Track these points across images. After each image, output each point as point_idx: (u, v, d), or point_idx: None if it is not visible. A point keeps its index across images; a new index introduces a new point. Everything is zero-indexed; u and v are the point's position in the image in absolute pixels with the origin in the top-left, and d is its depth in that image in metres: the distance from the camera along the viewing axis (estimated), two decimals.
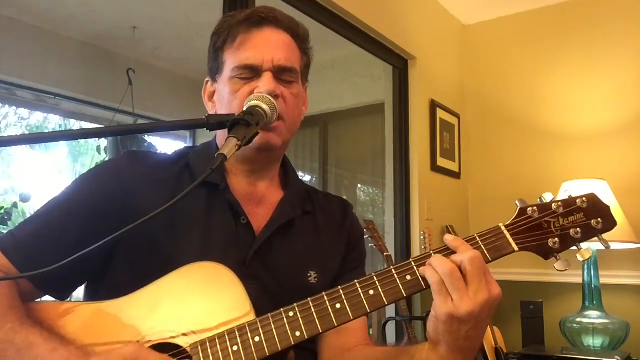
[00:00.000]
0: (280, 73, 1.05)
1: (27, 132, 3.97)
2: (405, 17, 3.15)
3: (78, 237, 0.95)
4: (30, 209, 4.09)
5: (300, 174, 1.22)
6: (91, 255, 0.80)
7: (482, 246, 0.90)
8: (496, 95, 3.58)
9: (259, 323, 0.88)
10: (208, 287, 0.92)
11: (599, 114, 3.23)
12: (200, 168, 1.05)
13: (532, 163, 3.38)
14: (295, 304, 0.88)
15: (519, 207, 0.94)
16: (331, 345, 1.09)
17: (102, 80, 3.99)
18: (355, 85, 4.01)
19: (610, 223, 0.93)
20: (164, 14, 3.61)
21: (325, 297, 0.88)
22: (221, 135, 1.12)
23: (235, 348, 0.86)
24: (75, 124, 4.45)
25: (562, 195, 0.95)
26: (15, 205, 3.98)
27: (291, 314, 0.88)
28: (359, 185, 4.53)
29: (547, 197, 0.94)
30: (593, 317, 2.73)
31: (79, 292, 1.10)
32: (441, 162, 3.37)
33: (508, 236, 0.91)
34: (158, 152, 4.06)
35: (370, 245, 2.54)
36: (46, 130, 4.72)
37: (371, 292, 0.88)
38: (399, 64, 3.21)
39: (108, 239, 0.79)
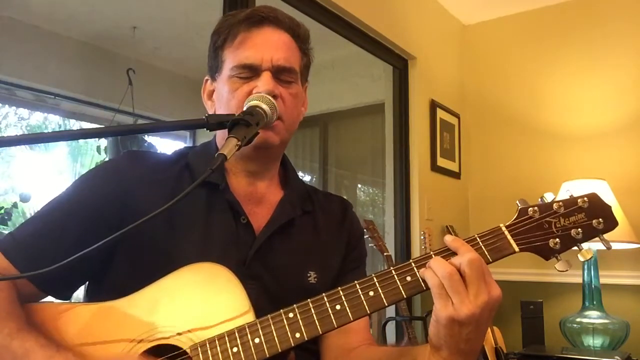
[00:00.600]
0: (279, 73, 1.05)
1: (27, 132, 3.97)
2: (405, 17, 3.15)
3: (78, 237, 0.95)
4: (30, 209, 4.09)
5: (300, 174, 1.22)
6: (91, 255, 0.80)
7: (483, 247, 0.89)
8: (496, 95, 3.58)
9: (258, 324, 0.87)
10: (208, 288, 0.92)
11: (599, 114, 3.23)
12: (200, 168, 1.05)
13: (532, 163, 3.38)
14: (295, 305, 0.88)
15: (519, 208, 0.93)
16: (334, 346, 1.09)
17: (102, 80, 3.99)
18: (355, 85, 4.01)
19: (611, 223, 0.93)
20: (164, 14, 3.61)
21: (325, 298, 0.88)
22: (221, 135, 1.12)
23: (235, 349, 0.86)
24: (75, 124, 4.45)
25: (563, 195, 0.94)
26: (15, 205, 3.98)
27: (291, 315, 0.87)
28: (359, 185, 4.53)
29: (548, 197, 0.93)
30: (593, 317, 2.72)
31: (80, 292, 1.10)
32: (441, 162, 3.36)
33: (509, 237, 0.91)
34: (158, 152, 4.06)
35: (370, 245, 2.54)
36: (46, 130, 4.72)
37: (371, 293, 0.88)
38: (399, 64, 3.21)
39: (108, 239, 0.79)
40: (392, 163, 3.18)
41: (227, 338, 0.87)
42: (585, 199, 0.93)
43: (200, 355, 0.87)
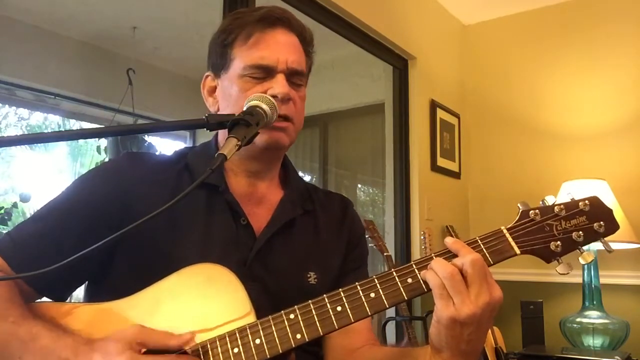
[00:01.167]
0: (292, 76, 1.05)
1: (27, 132, 3.97)
2: (405, 17, 3.15)
3: (78, 237, 0.95)
4: (30, 209, 4.09)
5: (300, 174, 1.22)
6: (91, 256, 0.80)
7: (484, 249, 0.89)
8: (496, 95, 3.58)
9: (259, 325, 0.87)
10: (208, 288, 0.92)
11: (599, 114, 3.23)
12: (199, 168, 1.05)
13: (532, 163, 3.38)
14: (296, 306, 0.88)
15: (521, 210, 0.93)
16: (337, 346, 1.09)
17: (102, 80, 3.99)
18: (355, 85, 4.01)
19: (612, 226, 0.92)
20: (164, 14, 3.60)
21: (326, 300, 0.88)
22: (222, 134, 1.12)
23: (236, 350, 0.86)
24: (75, 124, 4.45)
25: (563, 196, 0.94)
26: (15, 205, 3.98)
27: (292, 316, 0.87)
28: (359, 185, 4.53)
29: (549, 200, 0.94)
30: (593, 317, 2.73)
31: (80, 293, 1.10)
32: (441, 162, 3.36)
33: (510, 239, 0.91)
34: (158, 152, 4.06)
35: (370, 245, 2.54)
36: (46, 130, 4.72)
37: (372, 294, 0.88)
38: (399, 64, 3.21)
39: (107, 239, 0.79)
40: (392, 163, 3.18)
41: (228, 338, 0.87)
42: (587, 202, 0.93)
43: (201, 355, 0.86)
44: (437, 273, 0.85)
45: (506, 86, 3.55)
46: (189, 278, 0.93)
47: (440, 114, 3.39)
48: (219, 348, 0.87)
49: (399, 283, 0.88)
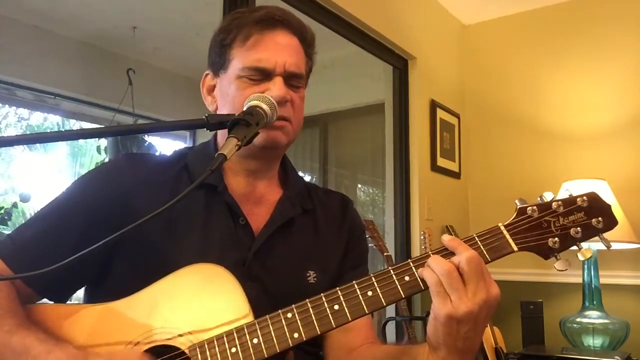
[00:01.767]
0: (289, 78, 1.05)
1: (27, 132, 3.97)
2: (405, 17, 3.15)
3: (78, 239, 0.95)
4: (30, 209, 4.10)
5: (300, 174, 1.22)
6: (91, 257, 0.80)
7: (481, 246, 0.89)
8: (496, 95, 3.58)
9: (257, 325, 0.87)
10: (206, 288, 0.92)
11: (599, 114, 3.23)
12: (198, 169, 1.05)
13: (532, 163, 3.38)
14: (293, 306, 0.88)
15: (518, 207, 0.93)
16: (337, 345, 1.08)
17: (102, 80, 3.99)
18: (355, 85, 4.01)
19: (611, 222, 0.92)
20: (164, 14, 3.60)
21: (324, 299, 0.88)
22: (220, 134, 1.12)
23: (233, 350, 0.86)
24: (75, 124, 4.45)
25: (563, 195, 0.94)
26: (15, 205, 3.98)
27: (289, 315, 0.87)
28: (359, 185, 4.53)
29: (547, 197, 0.93)
30: (593, 317, 2.72)
31: (79, 293, 1.10)
32: (441, 162, 3.36)
33: (507, 236, 0.90)
34: (158, 152, 4.07)
35: (370, 245, 2.53)
36: (46, 130, 4.72)
37: (369, 293, 0.87)
38: (399, 64, 3.20)
39: (106, 240, 0.79)
40: (392, 163, 3.18)
41: (225, 338, 0.87)
42: (585, 198, 0.93)
43: (199, 355, 0.86)
44: (434, 270, 0.85)
45: (506, 86, 3.55)
46: (187, 278, 0.93)
47: (440, 114, 3.39)
48: (217, 348, 0.86)
49: (396, 281, 0.88)
